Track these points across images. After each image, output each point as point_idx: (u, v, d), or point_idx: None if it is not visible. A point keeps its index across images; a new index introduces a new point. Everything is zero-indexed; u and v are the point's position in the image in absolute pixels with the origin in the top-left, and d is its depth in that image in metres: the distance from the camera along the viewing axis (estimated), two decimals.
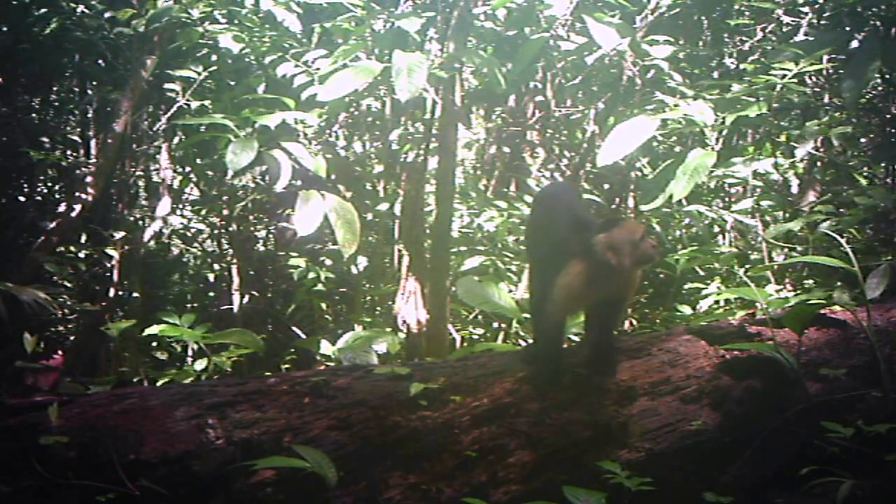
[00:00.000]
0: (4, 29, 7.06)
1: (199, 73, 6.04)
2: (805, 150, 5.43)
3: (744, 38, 6.81)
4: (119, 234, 6.56)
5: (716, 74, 6.84)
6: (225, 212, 7.12)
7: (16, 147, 7.09)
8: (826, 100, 6.15)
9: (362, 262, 6.16)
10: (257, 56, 5.76)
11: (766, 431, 3.26)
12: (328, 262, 6.38)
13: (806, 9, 6.02)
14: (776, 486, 3.19)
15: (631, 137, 4.71)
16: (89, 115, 7.55)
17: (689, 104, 4.88)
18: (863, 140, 6.67)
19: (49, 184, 7.92)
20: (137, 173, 7.41)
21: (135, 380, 5.44)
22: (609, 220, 3.35)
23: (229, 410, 3.08)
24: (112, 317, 6.50)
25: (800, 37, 5.87)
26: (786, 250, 5.32)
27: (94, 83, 7.36)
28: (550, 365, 3.35)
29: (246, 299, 6.77)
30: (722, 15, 6.59)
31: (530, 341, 4.47)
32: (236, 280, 6.85)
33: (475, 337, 6.08)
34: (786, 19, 6.24)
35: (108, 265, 6.69)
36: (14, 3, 6.78)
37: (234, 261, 6.97)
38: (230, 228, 7.18)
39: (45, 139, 7.56)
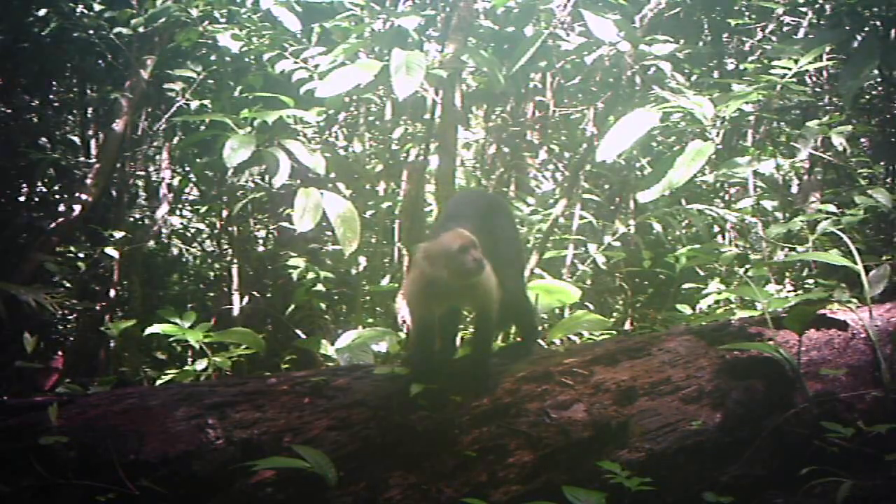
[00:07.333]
0: (4, 29, 7.05)
1: (198, 73, 6.03)
2: (805, 150, 5.42)
3: (744, 38, 6.81)
4: (119, 234, 6.55)
5: (716, 74, 6.84)
6: (224, 212, 7.12)
7: (16, 147, 7.08)
8: (826, 100, 6.15)
9: (362, 262, 6.16)
10: (256, 55, 5.76)
11: (766, 431, 3.26)
12: (328, 261, 6.37)
13: (806, 8, 6.02)
14: (776, 486, 3.19)
15: (631, 131, 4.69)
16: (89, 115, 7.54)
17: (688, 98, 4.87)
18: (863, 140, 6.67)
19: (49, 184, 7.91)
20: (137, 173, 7.40)
21: (135, 380, 5.44)
22: (440, 230, 3.30)
23: (229, 410, 3.09)
24: (112, 317, 6.49)
25: (800, 36, 5.87)
26: (786, 250, 5.31)
27: (94, 83, 7.34)
28: (417, 366, 3.32)
29: (246, 299, 6.76)
30: (722, 15, 6.59)
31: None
32: (236, 280, 6.85)
33: None
34: (786, 19, 6.24)
35: (108, 265, 6.68)
36: (14, 3, 6.77)
37: (234, 261, 6.97)
38: (230, 228, 7.18)
39: (45, 139, 7.54)
